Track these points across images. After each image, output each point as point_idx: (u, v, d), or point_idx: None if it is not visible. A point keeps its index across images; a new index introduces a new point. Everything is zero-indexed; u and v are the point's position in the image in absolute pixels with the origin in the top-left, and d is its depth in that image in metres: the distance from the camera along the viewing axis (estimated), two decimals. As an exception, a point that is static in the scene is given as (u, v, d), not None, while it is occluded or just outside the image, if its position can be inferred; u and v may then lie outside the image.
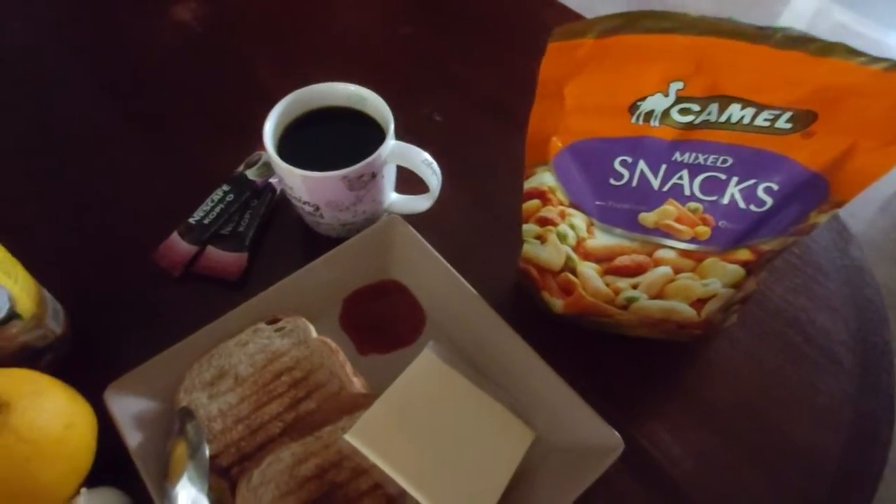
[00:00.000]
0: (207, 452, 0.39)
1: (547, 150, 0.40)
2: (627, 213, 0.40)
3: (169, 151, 0.60)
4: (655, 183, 0.38)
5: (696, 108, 0.34)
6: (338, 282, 0.49)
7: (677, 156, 0.36)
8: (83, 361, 0.43)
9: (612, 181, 0.39)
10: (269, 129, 0.49)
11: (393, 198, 0.54)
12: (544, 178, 0.41)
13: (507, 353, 0.45)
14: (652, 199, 0.39)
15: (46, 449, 0.35)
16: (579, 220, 0.42)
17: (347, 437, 0.38)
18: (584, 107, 0.36)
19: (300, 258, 0.48)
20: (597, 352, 0.47)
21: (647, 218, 0.40)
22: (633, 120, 0.35)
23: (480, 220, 0.56)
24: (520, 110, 0.65)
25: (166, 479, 0.38)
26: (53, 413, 0.37)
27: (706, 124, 0.35)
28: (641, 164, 0.38)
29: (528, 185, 0.43)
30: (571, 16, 0.71)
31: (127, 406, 0.41)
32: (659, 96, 0.34)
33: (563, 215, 0.43)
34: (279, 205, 0.56)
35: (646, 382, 0.47)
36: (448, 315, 0.48)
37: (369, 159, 0.47)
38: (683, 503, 0.42)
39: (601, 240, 0.41)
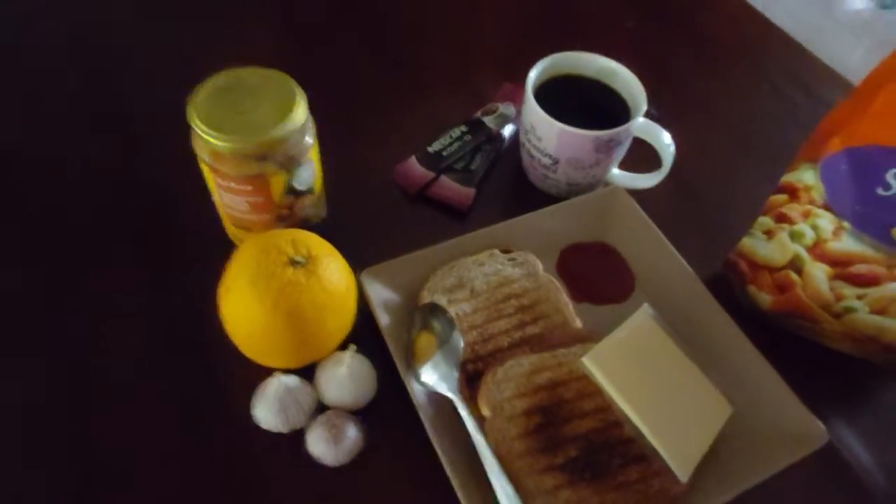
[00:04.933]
0: (462, 343, 0.43)
1: (822, 149, 0.42)
2: (882, 225, 0.42)
3: (415, 94, 0.66)
4: (922, 201, 0.40)
5: None
6: (558, 232, 0.53)
7: (959, 178, 0.38)
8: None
9: (878, 190, 0.41)
10: (531, 81, 0.53)
11: (615, 172, 0.57)
12: (804, 176, 0.44)
13: (714, 329, 0.47)
14: (913, 216, 0.41)
15: (335, 302, 0.41)
16: (826, 221, 0.44)
17: (584, 360, 0.42)
18: (888, 113, 0.38)
19: (516, 207, 0.53)
20: (790, 353, 0.49)
21: (901, 233, 0.41)
22: (931, 135, 0.38)
23: (684, 212, 0.59)
24: (733, 113, 0.68)
25: (412, 362, 0.43)
26: (341, 274, 0.42)
27: None
28: (915, 180, 0.40)
29: (786, 178, 0.46)
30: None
31: (377, 291, 0.47)
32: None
33: (806, 214, 0.45)
34: (502, 155, 0.61)
35: (839, 392, 0.49)
36: (658, 285, 0.51)
37: (623, 126, 0.51)
38: (871, 510, 0.43)
39: (846, 244, 0.43)
